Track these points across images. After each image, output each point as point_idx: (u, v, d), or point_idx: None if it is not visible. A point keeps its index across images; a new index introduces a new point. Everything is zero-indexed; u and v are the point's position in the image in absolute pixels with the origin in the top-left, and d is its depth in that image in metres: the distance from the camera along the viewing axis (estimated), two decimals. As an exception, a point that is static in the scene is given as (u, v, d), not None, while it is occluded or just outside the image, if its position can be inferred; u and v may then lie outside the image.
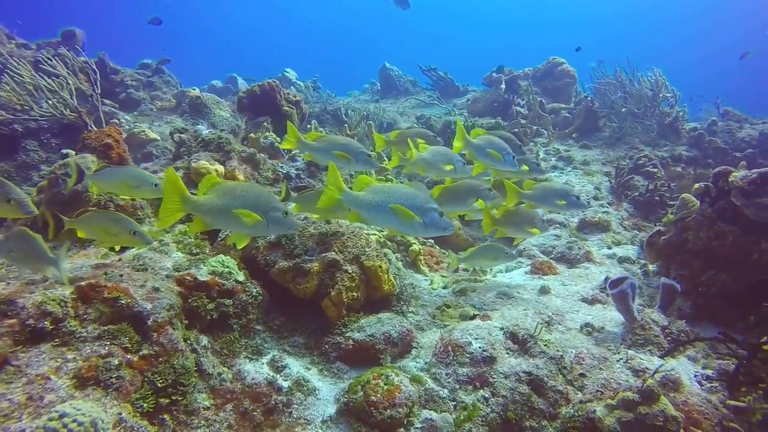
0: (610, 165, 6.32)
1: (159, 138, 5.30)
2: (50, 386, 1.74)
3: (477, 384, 2.58)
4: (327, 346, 2.77)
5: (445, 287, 3.76)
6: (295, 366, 2.64)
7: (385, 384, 2.30)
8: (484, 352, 2.69)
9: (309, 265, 2.84)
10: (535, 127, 7.08)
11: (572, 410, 2.53)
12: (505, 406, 2.51)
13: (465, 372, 2.61)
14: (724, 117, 7.66)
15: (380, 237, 3.77)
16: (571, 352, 2.87)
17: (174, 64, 9.21)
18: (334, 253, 2.92)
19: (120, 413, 1.81)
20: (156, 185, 2.51)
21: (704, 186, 3.60)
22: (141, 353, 2.05)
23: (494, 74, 8.36)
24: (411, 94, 11.32)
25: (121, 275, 2.29)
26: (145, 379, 2.02)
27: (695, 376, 2.82)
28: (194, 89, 7.45)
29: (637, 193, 5.54)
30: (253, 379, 2.44)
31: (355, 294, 2.89)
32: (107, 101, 6.28)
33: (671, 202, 5.50)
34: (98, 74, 4.35)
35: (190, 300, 2.47)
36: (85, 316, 2.03)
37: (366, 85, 12.87)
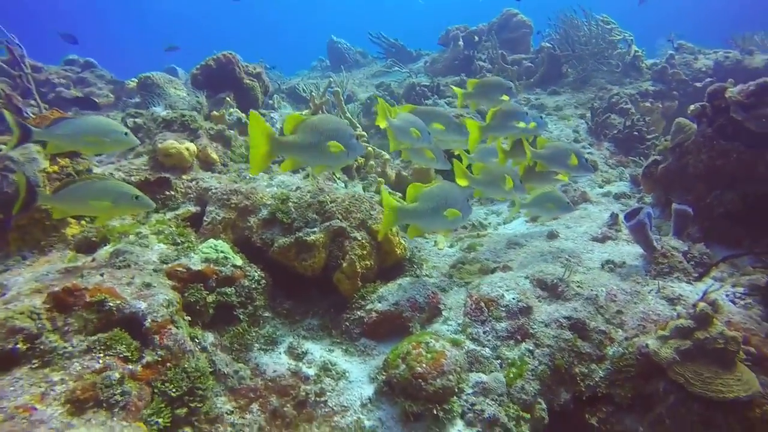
0: (583, 107, 6.24)
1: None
2: (38, 418, 1.37)
3: (518, 337, 2.37)
4: (347, 323, 2.48)
5: (451, 246, 3.53)
6: (317, 350, 2.34)
7: (428, 352, 2.04)
8: (520, 303, 2.48)
9: (313, 238, 2.52)
10: (500, 80, 6.89)
11: (620, 348, 2.38)
12: (552, 355, 2.32)
13: (504, 326, 2.40)
14: (678, 51, 7.73)
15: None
16: (602, 290, 2.71)
17: (102, 59, 8.31)
18: (338, 220, 2.61)
19: (133, 435, 1.47)
20: (126, 134, 2.18)
21: (700, 106, 3.50)
22: (144, 361, 1.70)
23: (451, 31, 8.09)
24: (362, 66, 10.89)
25: (102, 275, 1.90)
26: (155, 391, 1.67)
27: (726, 295, 2.73)
28: (133, 80, 6.80)
29: (615, 131, 5.47)
30: (274, 371, 2.13)
31: (368, 262, 2.60)
32: (33, 102, 5.55)
33: (649, 136, 5.48)
34: (23, 50, 3.72)
35: (186, 294, 2.11)
36: (66, 328, 1.65)
37: (314, 63, 12.30)
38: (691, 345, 2.14)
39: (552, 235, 3.54)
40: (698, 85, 6.81)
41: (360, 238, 2.61)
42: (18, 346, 1.52)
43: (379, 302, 2.47)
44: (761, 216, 3.29)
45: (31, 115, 3.15)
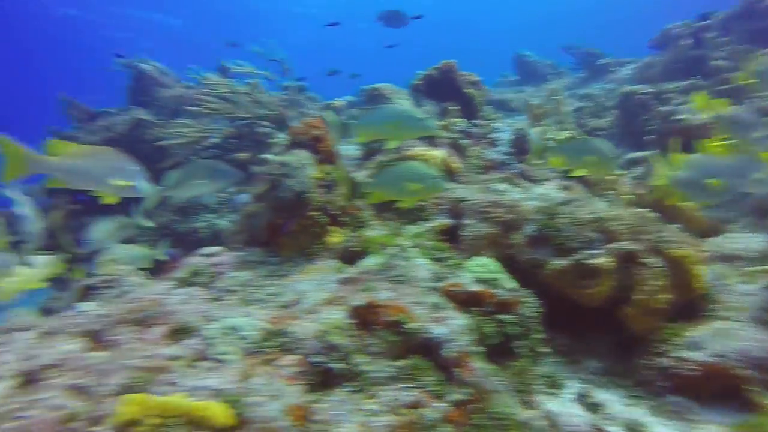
0: None
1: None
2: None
3: None
4: (646, 371, 1.95)
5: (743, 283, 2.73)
6: (614, 403, 1.86)
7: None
8: None
9: (597, 261, 2.06)
10: (749, 81, 5.62)
11: None
12: None
13: None
14: None
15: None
16: None
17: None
18: (627, 242, 2.11)
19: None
20: (422, 120, 2.27)
21: None
22: (450, 399, 1.42)
23: (671, 29, 6.96)
24: (553, 78, 10.18)
25: (389, 291, 1.71)
26: (464, 438, 1.38)
27: None
28: (338, 100, 7.22)
29: None
30: (571, 425, 1.71)
31: (668, 296, 2.05)
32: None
33: None
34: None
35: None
36: (369, 349, 1.46)
37: (498, 79, 11.94)
38: None
39: None
40: None
41: (654, 265, 2.08)
42: (332, 365, 1.36)
43: (694, 350, 1.89)
44: None
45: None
